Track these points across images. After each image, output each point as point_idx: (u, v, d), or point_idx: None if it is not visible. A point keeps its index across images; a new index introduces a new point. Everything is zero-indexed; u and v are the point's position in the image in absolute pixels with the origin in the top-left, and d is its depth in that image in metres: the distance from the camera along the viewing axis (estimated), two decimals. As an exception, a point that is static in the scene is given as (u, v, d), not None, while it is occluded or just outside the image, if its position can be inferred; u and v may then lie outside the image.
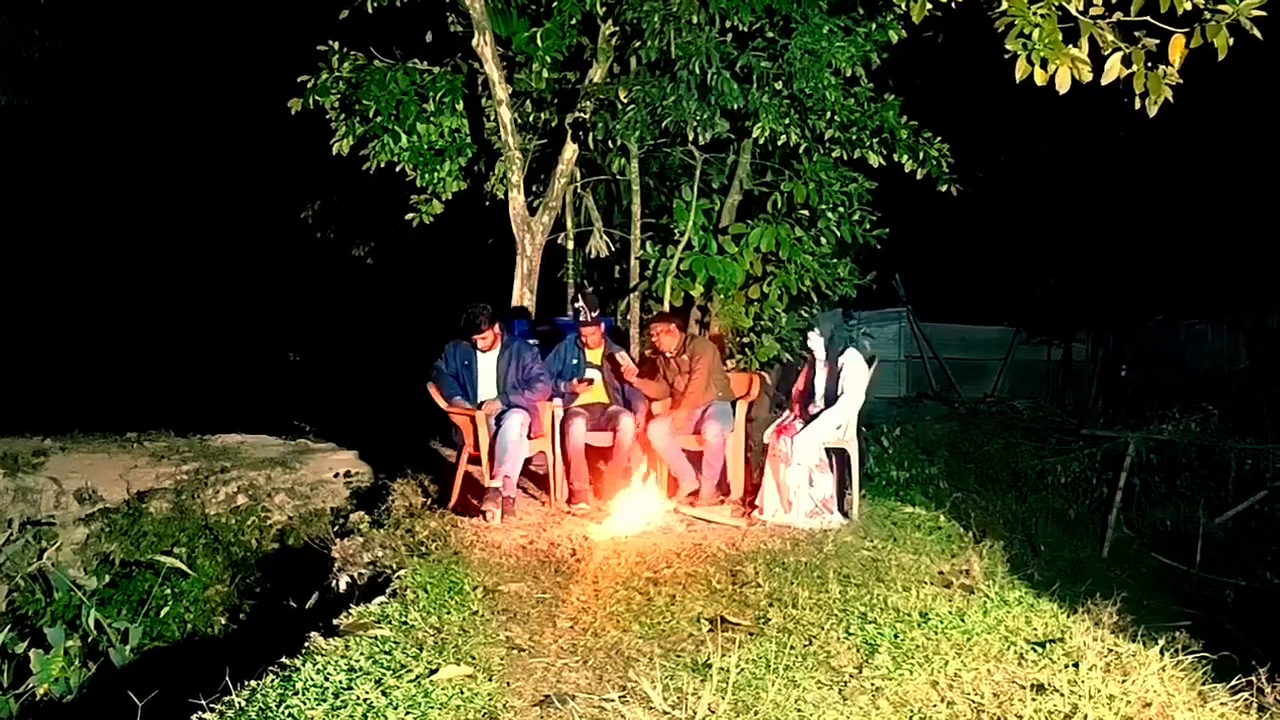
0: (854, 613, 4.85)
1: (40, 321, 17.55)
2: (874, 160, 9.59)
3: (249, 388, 17.36)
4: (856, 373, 7.41)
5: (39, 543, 7.87)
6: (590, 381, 8.23)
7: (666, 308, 9.60)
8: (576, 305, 8.45)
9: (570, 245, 10.56)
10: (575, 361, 8.29)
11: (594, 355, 8.34)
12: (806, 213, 9.50)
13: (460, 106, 10.09)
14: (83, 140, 17.26)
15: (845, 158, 9.61)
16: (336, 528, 7.50)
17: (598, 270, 11.03)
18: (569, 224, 10.52)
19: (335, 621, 4.57)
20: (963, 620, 4.72)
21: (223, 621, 7.92)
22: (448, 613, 4.81)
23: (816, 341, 7.64)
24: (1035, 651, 4.30)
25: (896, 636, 4.48)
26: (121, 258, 18.36)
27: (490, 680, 3.97)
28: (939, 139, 9.52)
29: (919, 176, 9.59)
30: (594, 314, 8.34)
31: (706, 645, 4.33)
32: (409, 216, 10.25)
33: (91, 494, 8.76)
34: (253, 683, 3.82)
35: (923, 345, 18.97)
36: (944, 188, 9.55)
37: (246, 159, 17.31)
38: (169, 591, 7.75)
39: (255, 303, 18.95)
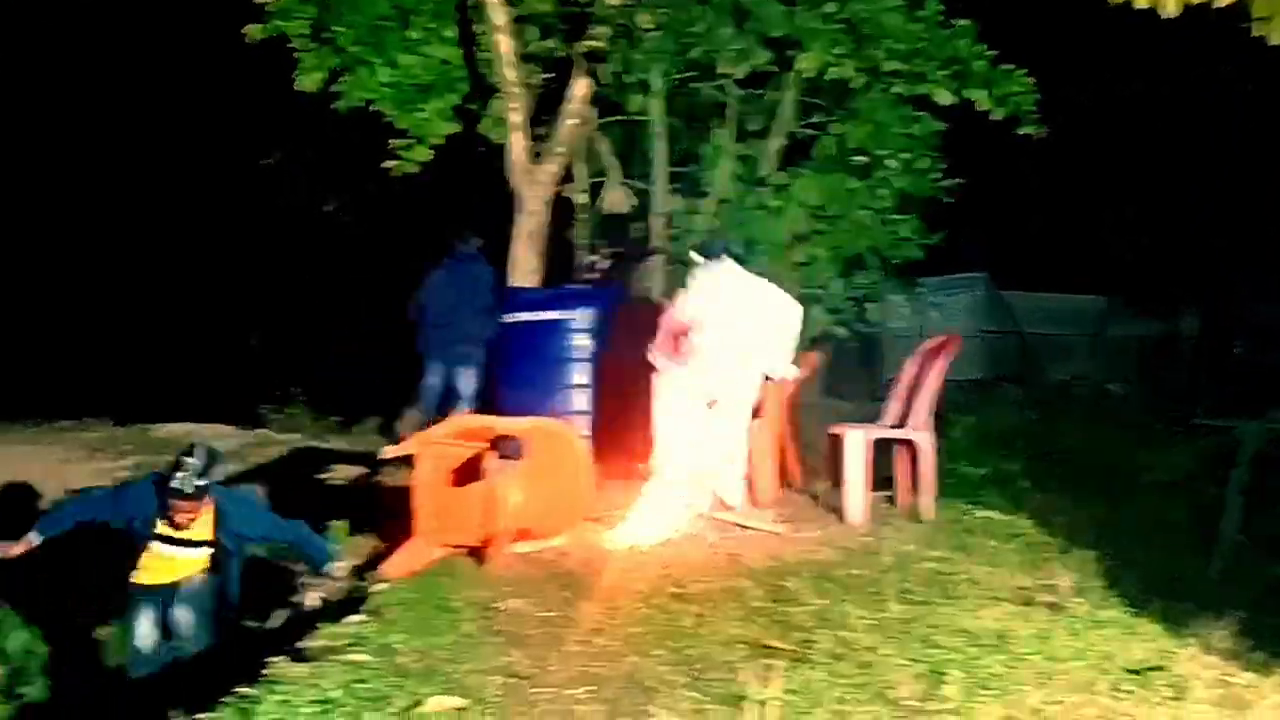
0: (917, 635, 4.83)
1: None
2: (943, 97, 9.49)
3: (202, 368, 17.38)
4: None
5: (-48, 553, 7.93)
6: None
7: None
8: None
9: (582, 199, 10.54)
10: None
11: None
12: (862, 160, 9.47)
13: (450, 33, 10.07)
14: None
15: (908, 95, 9.53)
16: (304, 533, 7.51)
17: (614, 228, 11.02)
18: (580, 174, 10.49)
19: (302, 644, 4.59)
20: (1046, 644, 4.70)
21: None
22: (435, 634, 4.81)
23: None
24: (1132, 681, 4.28)
25: (967, 663, 4.47)
26: (47, 217, 18.37)
27: (485, 714, 3.98)
28: (1021, 72, 9.41)
29: (996, 117, 9.50)
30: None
31: (741, 673, 4.33)
32: (388, 165, 10.23)
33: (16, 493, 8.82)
34: (204, 716, 3.83)
35: (1001, 318, 18.87)
36: (1026, 130, 9.45)
37: (195, 96, 17.26)
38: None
39: (210, 268, 18.94)
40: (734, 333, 7.07)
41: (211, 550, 6.14)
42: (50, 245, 18.45)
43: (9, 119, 17.34)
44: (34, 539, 6.13)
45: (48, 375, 15.91)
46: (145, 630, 6.05)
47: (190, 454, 6.00)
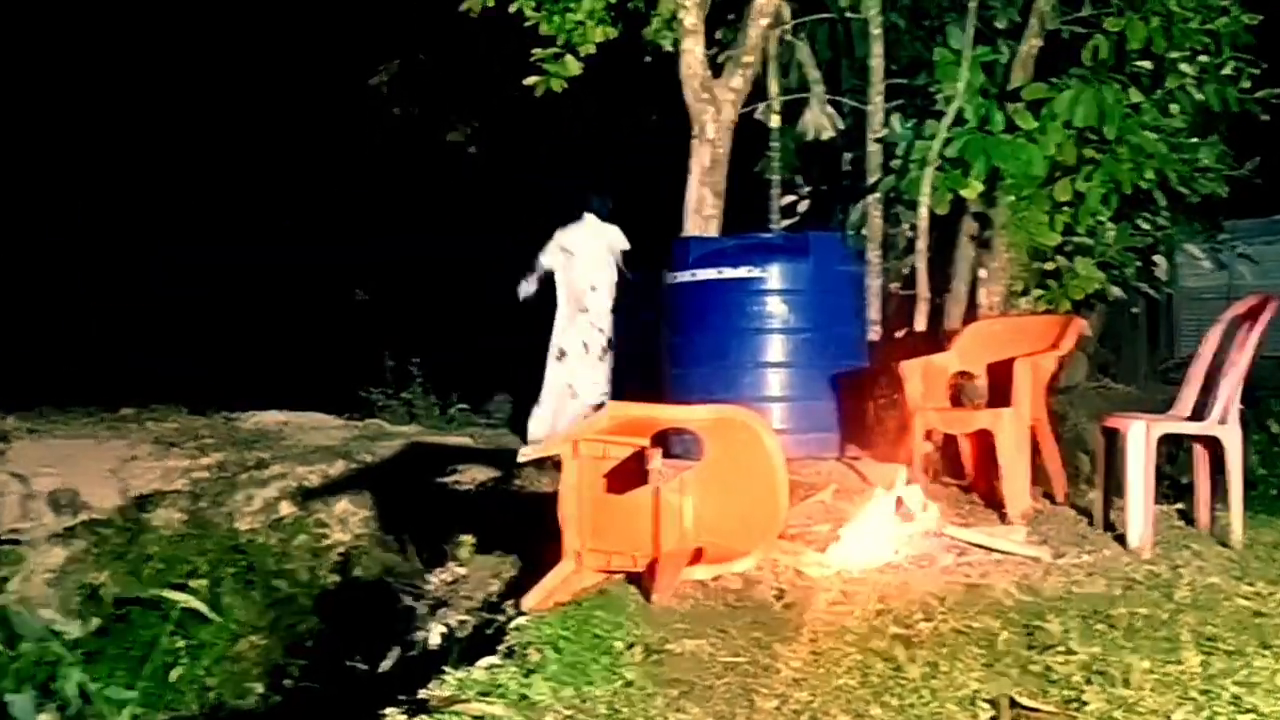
0: (1222, 695, 4.74)
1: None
2: (1257, -20, 9.29)
3: (295, 342, 17.76)
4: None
5: (-3, 568, 8.28)
6: None
7: (923, 214, 9.49)
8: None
9: (775, 122, 10.52)
10: None
11: None
12: (1147, 65, 9.27)
13: (608, -90, 10.13)
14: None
15: (1211, -24, 9.34)
16: (426, 553, 7.68)
17: (817, 159, 10.97)
18: (773, 90, 10.47)
19: (424, 693, 4.68)
20: (1399, 710, 4.57)
21: (260, 689, 8.21)
22: (590, 683, 4.86)
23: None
24: None
25: (1291, 733, 4.37)
26: (110, 159, 18.97)
27: (654, 787, 4.01)
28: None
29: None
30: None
31: (987, 741, 4.30)
32: (530, 81, 10.34)
33: (72, 498, 9.15)
34: (304, 780, 3.95)
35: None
36: (1373, 19, 9.17)
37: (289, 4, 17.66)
38: (183, 643, 8.04)
39: (305, 214, 19.31)
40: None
41: None
42: (110, 196, 19.06)
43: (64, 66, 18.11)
44: None
45: (107, 351, 16.43)
46: None
47: None
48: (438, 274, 18.61)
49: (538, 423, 11.08)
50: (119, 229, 19.13)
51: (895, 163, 9.67)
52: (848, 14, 10.25)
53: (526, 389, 10.99)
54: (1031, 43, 9.74)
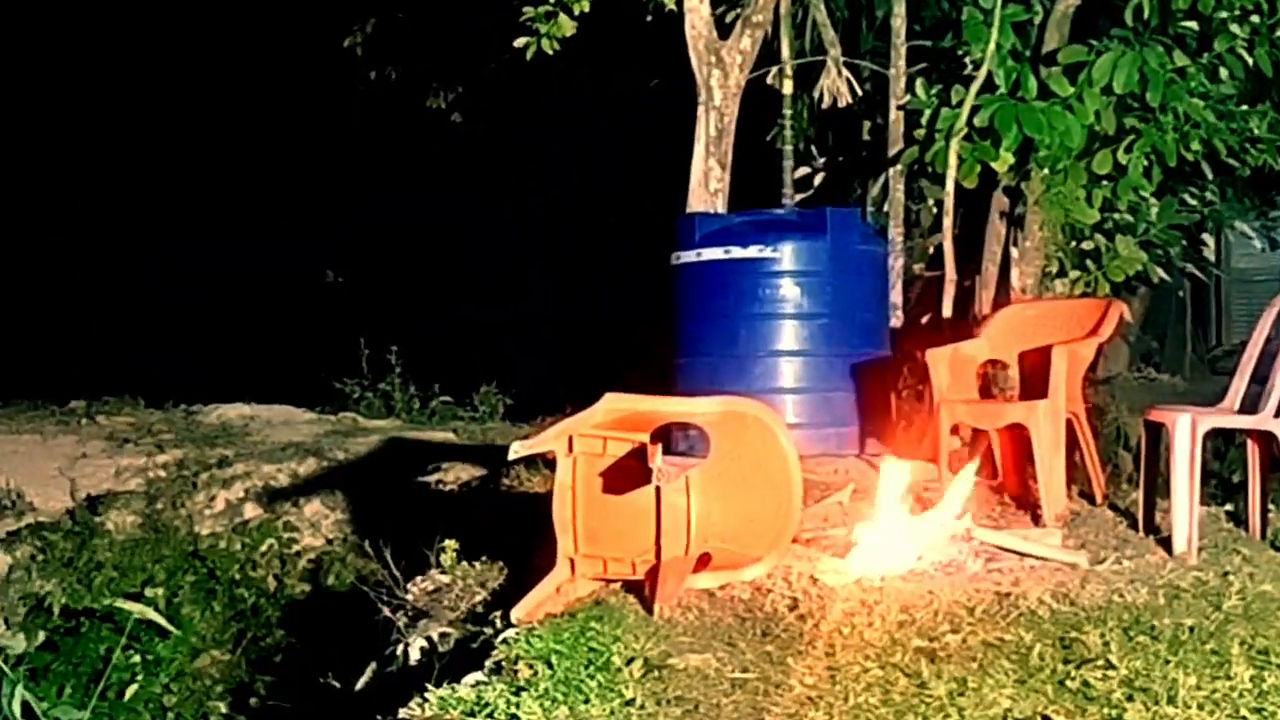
0: (1275, 714, 4.74)
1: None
2: (1316, -72, 9.28)
3: (260, 330, 17.76)
4: None
5: (-66, 578, 8.27)
6: None
7: (950, 189, 9.49)
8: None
9: (788, 88, 10.51)
10: None
11: None
12: (1194, 26, 9.26)
13: None
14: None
15: (1264, -74, 9.33)
16: (405, 560, 7.69)
17: (834, 127, 10.96)
18: (785, 52, 10.46)
19: (404, 713, 4.68)
20: None
21: (223, 708, 8.21)
22: (586, 701, 4.87)
23: None
24: None
25: (1351, 756, 4.38)
26: (59, 131, 19.03)
27: (657, 815, 4.02)
28: None
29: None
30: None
31: (1019, 764, 4.31)
32: (521, 43, 10.32)
33: (15, 499, 9.14)
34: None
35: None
36: None
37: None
38: (138, 658, 8.04)
39: (268, 186, 19.28)
40: None
41: None
42: (60, 170, 19.11)
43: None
44: None
45: (54, 339, 16.44)
46: None
47: None
48: (417, 246, 18.59)
49: None
50: (114, 228, 19.20)
51: (919, 132, 9.67)
52: (868, -31, 10.27)
53: (515, 375, 10.97)
54: (1068, 1, 9.74)
